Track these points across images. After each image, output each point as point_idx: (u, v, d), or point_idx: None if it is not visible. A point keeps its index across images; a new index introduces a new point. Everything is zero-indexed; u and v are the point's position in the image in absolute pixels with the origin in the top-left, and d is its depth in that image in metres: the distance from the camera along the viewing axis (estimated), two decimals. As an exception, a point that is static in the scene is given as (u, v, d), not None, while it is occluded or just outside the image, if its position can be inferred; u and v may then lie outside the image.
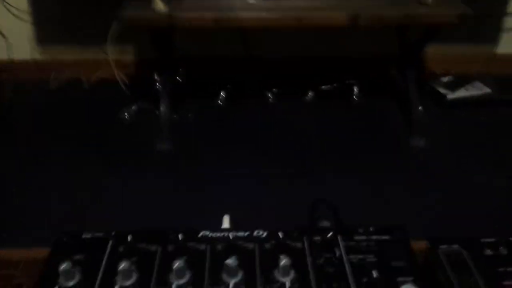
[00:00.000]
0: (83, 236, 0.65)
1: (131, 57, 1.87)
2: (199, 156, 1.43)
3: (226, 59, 1.80)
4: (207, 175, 1.34)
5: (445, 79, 1.71)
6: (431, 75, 1.76)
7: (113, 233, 0.65)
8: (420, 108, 1.54)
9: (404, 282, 0.60)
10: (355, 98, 1.70)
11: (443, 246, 0.65)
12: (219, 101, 1.73)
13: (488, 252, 0.64)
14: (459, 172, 1.34)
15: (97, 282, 0.59)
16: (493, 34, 1.81)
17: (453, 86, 1.68)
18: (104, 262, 0.61)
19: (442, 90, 1.67)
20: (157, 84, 1.65)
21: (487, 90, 1.66)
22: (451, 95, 1.65)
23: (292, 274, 0.61)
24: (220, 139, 1.53)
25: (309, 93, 1.75)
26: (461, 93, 1.66)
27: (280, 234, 0.65)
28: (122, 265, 0.57)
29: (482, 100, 1.65)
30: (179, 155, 1.45)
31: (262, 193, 1.25)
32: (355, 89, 1.71)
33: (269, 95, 1.74)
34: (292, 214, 1.03)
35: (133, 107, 1.67)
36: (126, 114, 1.66)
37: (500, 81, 1.69)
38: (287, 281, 0.59)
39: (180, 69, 1.73)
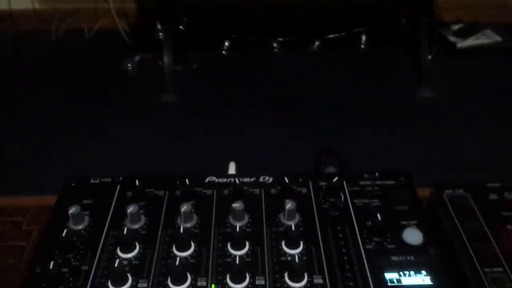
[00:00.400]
0: (91, 181, 0.65)
1: (132, 5, 1.82)
2: (204, 107, 1.43)
3: (229, 8, 1.75)
4: (212, 124, 1.33)
5: (455, 27, 1.67)
6: (441, 23, 1.71)
7: (120, 178, 0.65)
8: (429, 57, 1.51)
9: (408, 226, 0.61)
10: (363, 47, 1.67)
11: (448, 191, 0.66)
12: (223, 51, 1.70)
13: (493, 196, 0.65)
14: (467, 121, 1.33)
15: (106, 225, 0.60)
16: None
17: (464, 34, 1.63)
18: (112, 206, 0.62)
19: (452, 39, 1.63)
20: (160, 33, 1.62)
21: (497, 38, 1.62)
22: (461, 44, 1.61)
23: (297, 217, 0.61)
24: (225, 90, 1.52)
25: (316, 42, 1.71)
26: (471, 41, 1.62)
27: (286, 179, 0.65)
28: (131, 209, 0.58)
29: (493, 48, 1.61)
30: (183, 105, 1.44)
31: (267, 141, 1.25)
32: (363, 37, 1.67)
33: (274, 44, 1.71)
34: (297, 162, 1.04)
35: (136, 58, 1.65)
36: (129, 65, 1.64)
37: (510, 28, 1.64)
38: (292, 224, 0.60)
39: (183, 18, 1.68)
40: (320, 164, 0.92)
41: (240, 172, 0.78)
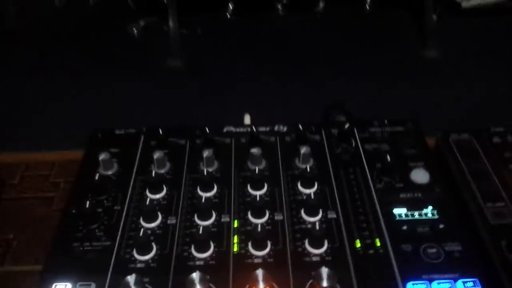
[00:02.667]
0: (116, 132, 0.69)
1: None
2: (211, 70, 1.45)
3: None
4: (221, 83, 1.36)
5: (460, -15, 1.66)
6: (446, -19, 1.70)
7: (144, 129, 0.69)
8: (434, 16, 1.51)
9: (415, 167, 0.65)
10: (368, 7, 1.67)
11: (454, 135, 0.69)
12: (227, 14, 1.70)
13: (497, 140, 0.68)
14: (472, 79, 1.35)
15: (134, 170, 0.64)
16: None
17: (468, -8, 1.63)
18: (138, 154, 0.66)
19: (456, -3, 1.63)
20: (164, -3, 1.62)
21: (503, -4, 1.62)
22: (465, 3, 1.61)
23: (311, 161, 0.65)
24: (230, 52, 1.53)
25: (320, 3, 1.71)
26: (476, 1, 1.62)
27: (300, 127, 0.69)
28: (157, 155, 0.62)
29: (498, 8, 1.61)
30: (190, 69, 1.46)
31: (277, 95, 1.28)
32: (368, -3, 1.67)
33: (278, 6, 1.71)
34: (307, 114, 1.07)
35: (141, 22, 1.66)
36: (134, 29, 1.65)
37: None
38: (307, 166, 0.64)
39: (187, -19, 1.68)
40: (329, 113, 0.96)
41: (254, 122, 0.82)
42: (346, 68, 1.40)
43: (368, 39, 1.56)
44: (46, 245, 0.65)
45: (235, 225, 0.57)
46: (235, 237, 0.56)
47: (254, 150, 0.64)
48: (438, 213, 0.59)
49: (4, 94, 1.32)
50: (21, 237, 0.67)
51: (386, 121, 0.71)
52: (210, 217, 0.58)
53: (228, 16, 1.70)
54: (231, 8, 1.69)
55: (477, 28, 1.57)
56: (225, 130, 0.71)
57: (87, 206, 0.57)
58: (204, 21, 1.67)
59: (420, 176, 0.63)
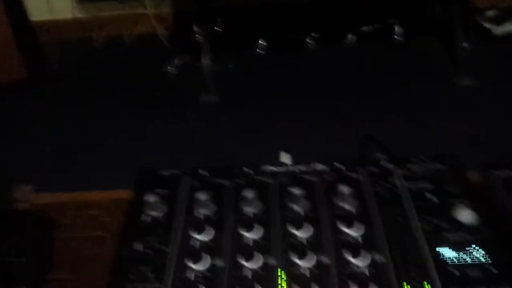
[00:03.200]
0: (161, 173, 0.71)
1: (169, 10, 1.89)
2: (244, 104, 1.48)
3: (262, 7, 1.79)
4: (255, 120, 1.39)
5: (489, 13, 1.66)
6: (475, 10, 1.70)
7: (187, 170, 0.71)
8: (465, 44, 1.51)
9: (461, 206, 0.64)
10: (397, 38, 1.68)
11: (496, 171, 0.68)
12: (258, 50, 1.74)
13: (542, 176, 0.67)
14: (505, 106, 1.33)
15: (180, 211, 0.66)
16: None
17: (499, 20, 1.63)
18: (182, 195, 0.68)
19: (487, 25, 1.62)
20: (197, 35, 1.68)
21: (534, 22, 1.61)
22: (496, 30, 1.61)
23: (353, 201, 0.66)
24: (262, 87, 1.56)
25: (349, 36, 1.73)
26: (506, 27, 1.61)
27: (339, 166, 0.70)
28: (201, 196, 0.64)
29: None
30: (224, 104, 1.50)
31: (311, 132, 1.29)
32: (397, 28, 1.68)
33: (308, 40, 1.74)
34: (340, 149, 1.08)
35: (176, 61, 1.71)
36: (169, 68, 1.70)
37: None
38: (350, 206, 0.64)
39: (218, 19, 1.74)
40: (365, 150, 0.96)
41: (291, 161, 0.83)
42: (379, 102, 1.40)
43: (400, 70, 1.56)
44: (99, 284, 0.67)
45: (281, 272, 0.57)
46: (284, 282, 0.56)
47: (295, 191, 0.65)
48: (489, 257, 0.57)
49: (52, 137, 1.38)
50: (74, 277, 0.69)
51: (426, 158, 0.71)
52: (257, 259, 0.58)
53: (259, 52, 1.74)
54: (262, 44, 1.73)
55: (509, 53, 1.56)
56: (265, 169, 0.72)
57: (137, 248, 0.59)
58: (237, 57, 1.72)
59: (467, 216, 0.62)
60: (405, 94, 1.44)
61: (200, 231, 0.62)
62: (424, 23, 1.67)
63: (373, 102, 1.41)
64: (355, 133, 1.16)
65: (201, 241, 0.62)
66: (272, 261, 0.59)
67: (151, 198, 0.64)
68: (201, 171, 0.70)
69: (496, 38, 1.60)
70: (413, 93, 1.44)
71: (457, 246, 0.59)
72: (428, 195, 0.65)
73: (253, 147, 1.26)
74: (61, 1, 1.85)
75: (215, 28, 1.72)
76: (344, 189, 0.65)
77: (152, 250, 0.60)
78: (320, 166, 0.72)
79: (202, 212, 0.65)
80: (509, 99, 1.37)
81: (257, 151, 1.22)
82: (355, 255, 0.58)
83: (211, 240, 0.62)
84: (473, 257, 0.58)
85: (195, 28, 1.68)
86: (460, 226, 0.61)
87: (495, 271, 0.56)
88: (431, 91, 1.45)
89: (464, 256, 0.58)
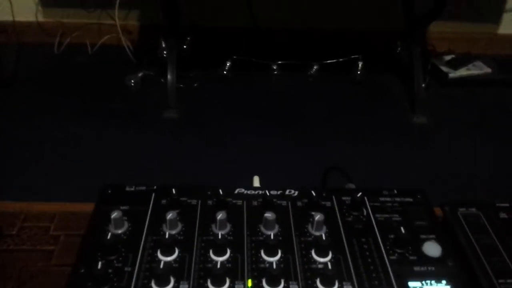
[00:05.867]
0: (126, 189, 0.68)
1: (136, 23, 1.86)
2: (206, 124, 1.46)
3: (232, 30, 1.81)
4: (218, 138, 1.37)
5: (447, 57, 1.76)
6: (434, 53, 1.80)
7: (155, 187, 0.68)
8: (423, 85, 1.58)
9: (427, 239, 0.65)
10: (359, 73, 1.74)
11: (462, 209, 0.71)
12: (224, 71, 1.74)
13: (503, 215, 0.70)
14: (458, 145, 1.40)
15: (145, 230, 0.62)
16: (495, 14, 1.85)
17: (455, 65, 1.72)
18: (149, 213, 0.65)
19: (444, 69, 1.71)
20: (164, 51, 1.66)
21: (488, 70, 1.71)
22: (453, 74, 1.70)
23: (324, 229, 0.65)
24: (225, 107, 1.56)
25: (314, 66, 1.77)
26: (462, 72, 1.71)
27: (312, 193, 0.69)
28: (170, 215, 0.61)
29: (483, 79, 1.70)
30: (186, 122, 1.48)
31: (271, 159, 1.29)
32: (360, 64, 1.74)
33: (274, 66, 1.77)
34: (301, 176, 1.08)
35: (139, 74, 1.68)
36: (132, 80, 1.66)
37: (501, 61, 1.74)
38: (321, 234, 0.64)
39: (187, 38, 1.73)
40: (326, 180, 0.97)
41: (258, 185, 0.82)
42: (336, 133, 1.43)
43: (359, 102, 1.61)
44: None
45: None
46: (250, 306, 0.54)
47: (269, 215, 0.63)
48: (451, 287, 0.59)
49: (3, 142, 1.30)
50: (18, 294, 0.63)
51: (395, 191, 0.72)
52: (224, 284, 0.56)
53: (225, 73, 1.74)
54: (228, 65, 1.74)
55: (463, 97, 1.65)
56: (236, 191, 0.70)
57: (97, 266, 0.55)
58: (201, 76, 1.71)
59: (432, 249, 0.63)
60: (362, 128, 1.48)
61: (166, 252, 0.59)
62: (386, 61, 1.74)
63: (330, 132, 1.44)
64: (317, 159, 1.17)
65: (166, 262, 0.58)
66: (240, 286, 0.56)
67: (116, 214, 0.60)
68: (169, 189, 0.67)
69: (452, 81, 1.69)
70: (370, 127, 1.49)
71: (422, 277, 0.60)
72: (397, 227, 0.65)
73: (215, 165, 1.24)
74: (25, 2, 1.78)
75: (184, 46, 1.71)
76: (317, 217, 0.64)
77: (113, 270, 0.56)
78: (292, 192, 0.72)
79: (169, 231, 0.62)
80: (461, 138, 1.44)
81: (220, 168, 1.21)
82: (323, 283, 0.57)
83: (177, 262, 0.59)
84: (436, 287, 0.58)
85: (162, 44, 1.66)
86: (426, 258, 0.62)
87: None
88: (387, 126, 1.51)
89: (428, 287, 0.59)
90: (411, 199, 0.71)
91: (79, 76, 1.69)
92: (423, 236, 0.66)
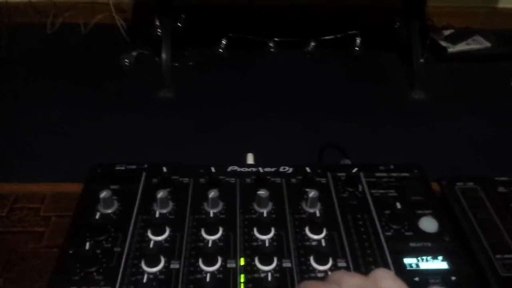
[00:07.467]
0: (117, 168, 0.66)
1: (130, 1, 1.82)
2: (201, 103, 1.45)
3: (227, 7, 1.77)
4: (213, 117, 1.36)
5: (446, 32, 1.73)
6: (433, 28, 1.77)
7: (145, 166, 0.67)
8: (421, 60, 1.56)
9: (423, 215, 0.64)
10: (357, 49, 1.71)
11: (459, 183, 0.69)
12: (219, 49, 1.71)
13: (502, 189, 0.68)
14: (456, 120, 1.39)
15: (135, 209, 0.61)
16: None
17: (454, 39, 1.69)
18: (139, 192, 0.63)
19: (443, 43, 1.69)
20: (158, 30, 1.63)
21: (487, 44, 1.68)
22: (452, 49, 1.67)
23: (319, 205, 0.64)
24: (221, 86, 1.54)
25: (311, 43, 1.74)
26: (461, 46, 1.68)
27: (307, 170, 0.68)
28: (160, 194, 0.60)
29: (482, 54, 1.68)
30: (181, 101, 1.46)
31: (268, 132, 1.27)
32: (357, 40, 1.71)
33: (270, 44, 1.73)
34: (300, 152, 1.07)
35: (133, 53, 1.65)
36: (126, 60, 1.64)
37: (499, 35, 1.71)
38: (315, 211, 0.62)
39: (182, 15, 1.69)
40: (322, 157, 0.95)
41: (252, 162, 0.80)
42: (333, 110, 1.42)
43: (357, 79, 1.59)
44: (34, 284, 0.61)
45: (242, 275, 0.54)
46: (242, 285, 0.53)
47: (262, 192, 0.62)
48: (448, 264, 0.58)
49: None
50: (7, 275, 0.62)
51: (392, 166, 0.71)
52: (215, 262, 0.55)
53: (221, 51, 1.71)
54: (224, 43, 1.71)
55: (462, 72, 1.63)
56: (229, 169, 0.69)
57: (86, 247, 0.54)
58: (197, 55, 1.68)
59: (429, 224, 0.62)
60: (361, 104, 1.46)
61: (156, 231, 0.58)
62: (384, 37, 1.70)
63: (328, 110, 1.42)
64: (313, 136, 1.16)
65: (156, 242, 0.57)
66: (232, 265, 0.55)
67: (105, 194, 0.59)
68: (160, 168, 0.65)
69: (451, 56, 1.66)
70: (368, 104, 1.47)
71: (419, 254, 0.58)
72: (393, 203, 0.64)
73: (210, 145, 1.23)
74: (16, -18, 1.74)
75: (178, 24, 1.68)
76: (311, 193, 0.63)
77: (102, 250, 0.55)
78: (286, 169, 0.70)
79: (160, 211, 0.61)
80: (460, 113, 1.43)
81: (215, 148, 1.19)
82: (318, 261, 0.56)
83: (167, 241, 0.58)
84: (434, 265, 0.57)
85: (156, 22, 1.63)
86: (421, 234, 0.61)
87: (454, 278, 0.56)
88: (386, 102, 1.49)
89: (426, 264, 0.57)
90: (407, 174, 0.70)
91: (72, 56, 1.67)
92: (419, 212, 0.64)
